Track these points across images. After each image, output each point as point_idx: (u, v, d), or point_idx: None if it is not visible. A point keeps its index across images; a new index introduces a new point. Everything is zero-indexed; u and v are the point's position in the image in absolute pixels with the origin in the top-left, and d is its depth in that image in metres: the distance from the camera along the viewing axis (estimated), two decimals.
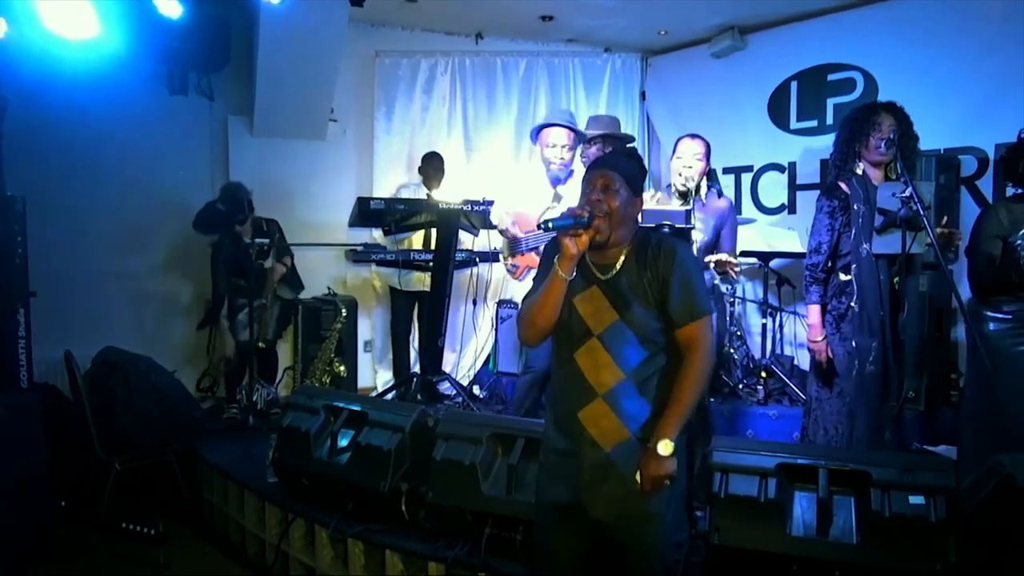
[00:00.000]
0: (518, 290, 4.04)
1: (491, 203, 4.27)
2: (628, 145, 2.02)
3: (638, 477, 1.92)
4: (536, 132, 3.88)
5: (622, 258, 2.00)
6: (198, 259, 5.02)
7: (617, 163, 2.06)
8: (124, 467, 3.80)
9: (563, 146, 3.69)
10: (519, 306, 2.41)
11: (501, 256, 4.17)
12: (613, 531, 1.99)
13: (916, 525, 2.25)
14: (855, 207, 3.12)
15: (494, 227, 4.27)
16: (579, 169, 4.31)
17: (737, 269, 3.23)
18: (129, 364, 4.06)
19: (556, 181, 3.80)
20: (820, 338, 3.23)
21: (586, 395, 1.98)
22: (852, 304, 3.12)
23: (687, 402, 1.94)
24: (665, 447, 1.89)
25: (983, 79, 4.38)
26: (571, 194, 3.75)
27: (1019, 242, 2.90)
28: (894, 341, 3.11)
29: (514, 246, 3.92)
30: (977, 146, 4.43)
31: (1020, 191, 3.05)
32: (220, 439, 4.20)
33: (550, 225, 1.94)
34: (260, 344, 4.68)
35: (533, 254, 3.78)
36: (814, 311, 3.24)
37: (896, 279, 3.09)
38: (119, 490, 3.78)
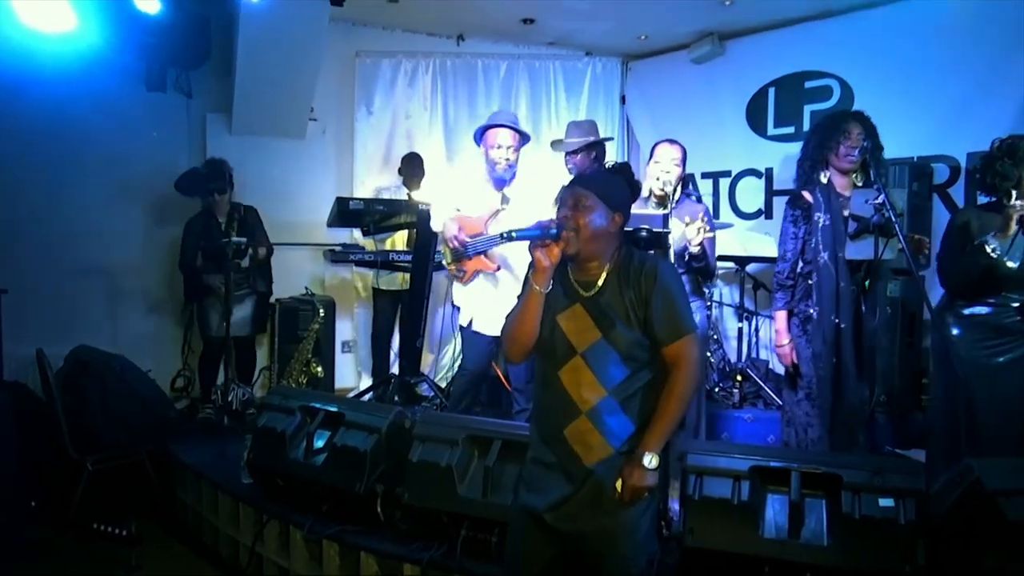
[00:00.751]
0: (457, 292, 3.95)
1: (428, 206, 4.17)
2: (620, 162, 1.99)
3: (619, 486, 1.93)
4: (480, 133, 3.81)
5: (604, 275, 2.00)
6: (174, 257, 4.97)
7: (591, 180, 2.07)
8: (96, 467, 3.76)
9: (508, 147, 3.66)
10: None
11: (444, 262, 4.01)
12: (588, 541, 1.99)
13: (886, 527, 2.28)
14: (815, 216, 3.21)
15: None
16: (561, 176, 4.33)
17: (707, 229, 3.22)
18: (103, 363, 4.01)
19: (500, 183, 3.74)
20: (785, 342, 3.32)
21: (571, 412, 1.98)
22: (811, 311, 3.23)
23: (672, 417, 1.95)
24: (650, 460, 1.91)
25: (955, 89, 4.46)
26: (519, 196, 3.71)
27: (990, 244, 2.95)
28: (857, 347, 3.18)
29: (459, 253, 3.78)
30: (949, 154, 4.51)
31: (992, 199, 3.11)
32: (194, 439, 4.16)
33: (513, 235, 1.96)
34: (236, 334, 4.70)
35: (482, 257, 3.71)
36: (780, 317, 3.35)
37: (867, 282, 3.17)
38: (91, 490, 3.74)
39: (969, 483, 2.30)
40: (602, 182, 2.04)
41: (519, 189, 3.74)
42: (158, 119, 5.10)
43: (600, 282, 1.99)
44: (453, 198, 3.89)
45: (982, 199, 3.26)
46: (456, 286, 3.93)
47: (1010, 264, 2.90)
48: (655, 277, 1.95)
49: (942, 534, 2.33)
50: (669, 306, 1.95)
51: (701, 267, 3.43)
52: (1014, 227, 2.84)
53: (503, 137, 3.67)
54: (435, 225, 3.93)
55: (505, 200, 3.72)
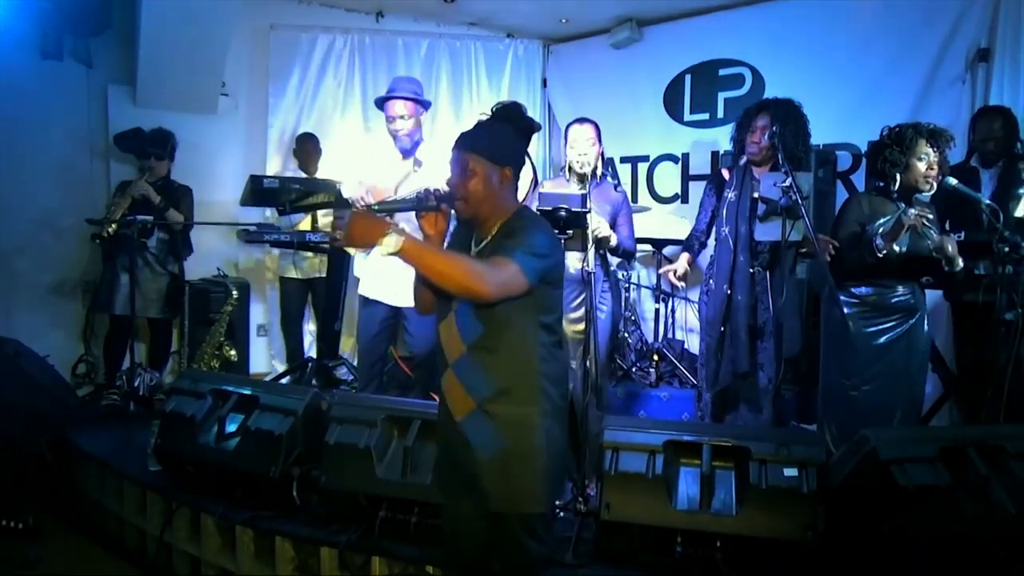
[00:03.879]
0: (358, 263, 3.88)
1: (339, 183, 4.06)
2: (508, 103, 1.85)
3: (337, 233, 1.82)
4: (379, 105, 3.77)
5: (495, 231, 1.98)
6: (74, 237, 4.70)
7: (475, 139, 1.98)
8: None
9: (402, 117, 3.62)
10: None
11: None
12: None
13: (790, 496, 2.39)
14: (725, 192, 3.50)
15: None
16: None
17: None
18: None
19: (405, 152, 3.71)
20: (674, 267, 3.61)
21: (443, 365, 2.01)
22: (711, 281, 3.55)
23: (435, 258, 1.85)
24: (389, 240, 1.77)
25: (857, 79, 4.66)
26: (432, 157, 3.65)
27: (879, 244, 3.10)
28: (730, 319, 3.45)
29: None
30: (852, 142, 4.72)
31: (882, 184, 3.27)
32: (98, 427, 3.97)
33: (375, 208, 2.01)
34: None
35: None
36: (681, 256, 3.66)
37: (754, 268, 3.41)
38: None
39: (865, 453, 2.43)
40: (486, 139, 1.98)
41: (432, 151, 3.69)
42: (55, 90, 4.80)
43: (489, 237, 1.99)
44: (358, 171, 3.83)
45: (874, 183, 3.44)
46: (358, 257, 3.82)
47: (897, 248, 3.07)
48: (521, 219, 1.96)
49: (841, 501, 2.46)
50: (515, 237, 1.89)
51: (618, 249, 3.49)
52: (904, 235, 3.00)
53: (397, 108, 3.63)
54: (345, 192, 3.85)
55: (417, 163, 3.67)
